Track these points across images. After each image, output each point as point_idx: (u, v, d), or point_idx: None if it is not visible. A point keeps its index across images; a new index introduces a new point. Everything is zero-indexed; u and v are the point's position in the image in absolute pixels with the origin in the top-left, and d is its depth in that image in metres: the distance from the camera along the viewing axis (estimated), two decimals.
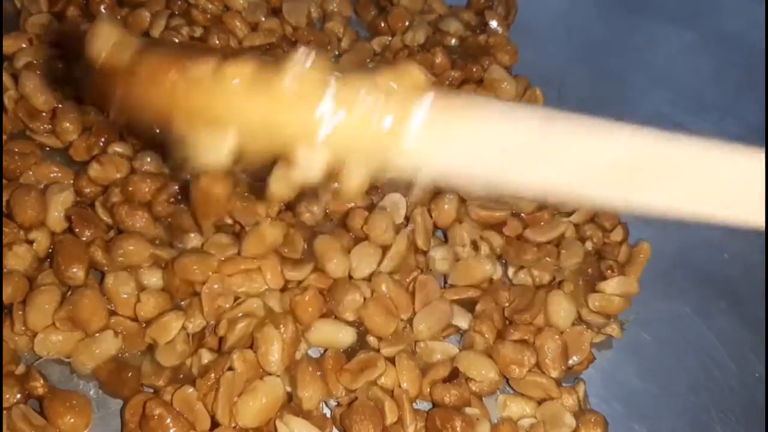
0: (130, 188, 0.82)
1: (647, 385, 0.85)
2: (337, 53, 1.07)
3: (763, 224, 0.52)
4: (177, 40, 0.92)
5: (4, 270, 0.77)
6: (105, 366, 0.75)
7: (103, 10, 1.00)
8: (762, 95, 1.10)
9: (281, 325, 0.74)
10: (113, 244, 0.77)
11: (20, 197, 0.79)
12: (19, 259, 0.78)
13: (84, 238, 0.80)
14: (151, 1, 1.02)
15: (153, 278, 0.79)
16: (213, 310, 0.76)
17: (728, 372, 0.87)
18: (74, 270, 0.75)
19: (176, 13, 1.02)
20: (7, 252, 0.77)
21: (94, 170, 0.84)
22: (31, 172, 0.85)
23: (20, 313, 0.75)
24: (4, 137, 0.89)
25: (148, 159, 0.86)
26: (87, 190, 0.85)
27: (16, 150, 0.87)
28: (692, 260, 0.96)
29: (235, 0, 1.03)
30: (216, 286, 0.77)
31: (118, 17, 1.01)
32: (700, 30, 1.17)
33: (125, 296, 0.76)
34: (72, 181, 0.85)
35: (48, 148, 0.90)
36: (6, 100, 0.90)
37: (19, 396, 0.71)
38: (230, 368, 0.71)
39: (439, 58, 1.03)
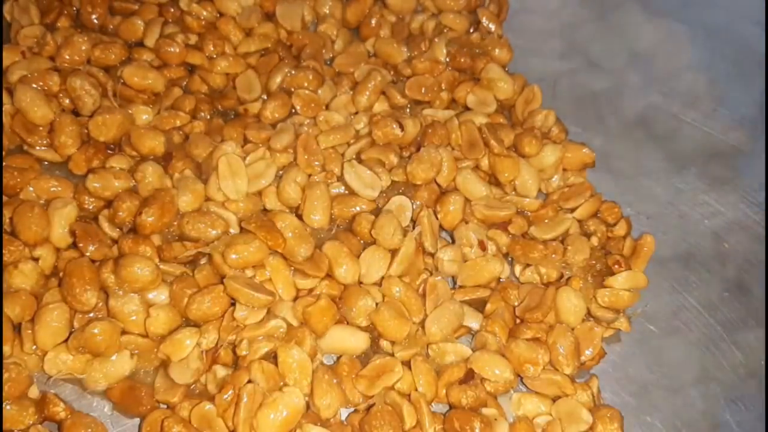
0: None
1: (657, 377, 0.86)
2: (331, 56, 1.06)
3: None
4: None
5: (11, 289, 0.76)
6: (118, 386, 0.74)
7: (95, 20, 0.99)
8: (753, 86, 1.12)
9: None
10: (120, 267, 0.76)
11: (23, 214, 0.78)
12: (25, 277, 0.77)
13: (88, 254, 0.79)
14: (144, 10, 1.00)
15: (161, 296, 0.78)
16: (230, 326, 0.75)
17: (735, 361, 0.88)
18: (87, 296, 0.74)
19: (170, 21, 1.01)
20: (12, 270, 0.76)
21: (91, 183, 0.83)
22: (31, 188, 0.84)
23: (29, 332, 0.74)
24: (3, 153, 0.88)
25: (150, 169, 0.85)
26: (89, 204, 0.84)
27: (15, 165, 0.86)
28: (693, 251, 0.97)
29: (229, 6, 1.02)
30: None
31: (111, 27, 1.00)
32: (690, 23, 1.18)
33: (134, 318, 0.75)
34: (73, 195, 0.84)
35: (46, 163, 0.89)
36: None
37: (34, 419, 0.70)
38: (249, 381, 0.71)
39: (434, 58, 1.03)
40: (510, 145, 0.95)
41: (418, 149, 0.93)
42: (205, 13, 1.00)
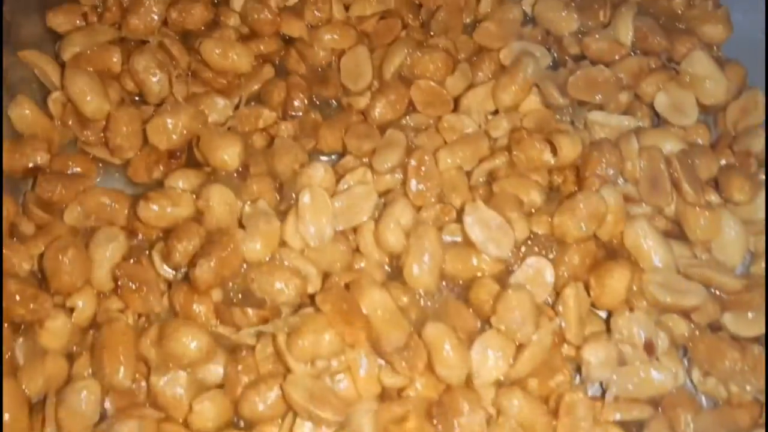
0: None
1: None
2: (474, 18, 0.80)
3: None
4: None
5: (37, 351, 0.62)
6: None
7: None
8: None
9: None
10: (165, 338, 0.59)
11: (55, 258, 0.63)
12: (53, 336, 0.62)
13: (130, 309, 0.63)
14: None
15: (214, 373, 0.61)
16: None
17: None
18: (121, 374, 0.59)
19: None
20: (39, 329, 0.62)
21: (143, 210, 0.65)
22: (79, 207, 0.68)
23: (51, 411, 0.60)
24: (53, 149, 0.72)
25: (217, 195, 0.66)
26: (140, 234, 0.67)
27: (70, 166, 0.71)
28: None
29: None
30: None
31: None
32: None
33: (178, 403, 0.59)
34: (124, 224, 0.68)
35: (101, 164, 0.73)
36: (51, 104, 0.72)
37: None
38: None
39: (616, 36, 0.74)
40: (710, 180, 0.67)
41: (577, 179, 0.68)
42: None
